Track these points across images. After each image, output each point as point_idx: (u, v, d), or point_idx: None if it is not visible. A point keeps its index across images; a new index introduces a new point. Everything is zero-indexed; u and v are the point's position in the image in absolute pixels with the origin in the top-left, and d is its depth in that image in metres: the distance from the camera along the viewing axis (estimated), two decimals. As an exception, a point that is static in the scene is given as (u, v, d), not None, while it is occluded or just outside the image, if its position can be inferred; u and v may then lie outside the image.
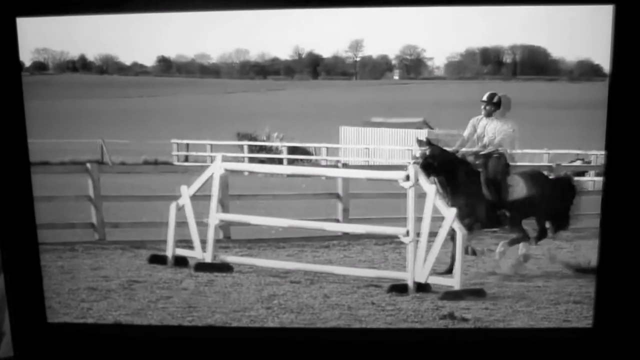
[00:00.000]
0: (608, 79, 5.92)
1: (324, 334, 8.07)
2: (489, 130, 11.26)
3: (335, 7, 6.68)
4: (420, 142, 11.17)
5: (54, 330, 7.02)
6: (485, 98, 11.35)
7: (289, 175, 11.80)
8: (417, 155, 11.04)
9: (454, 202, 10.90)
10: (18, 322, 6.59)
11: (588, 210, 13.10)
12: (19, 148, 6.38)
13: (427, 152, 10.98)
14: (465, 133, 11.44)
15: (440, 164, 11.00)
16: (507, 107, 11.36)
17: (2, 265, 6.50)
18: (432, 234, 9.98)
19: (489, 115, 11.33)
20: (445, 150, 11.26)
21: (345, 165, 14.46)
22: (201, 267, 10.89)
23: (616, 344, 6.45)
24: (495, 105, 11.29)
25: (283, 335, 7.82)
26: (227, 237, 12.79)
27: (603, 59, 5.96)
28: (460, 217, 10.77)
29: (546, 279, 10.53)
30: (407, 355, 6.97)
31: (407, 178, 9.97)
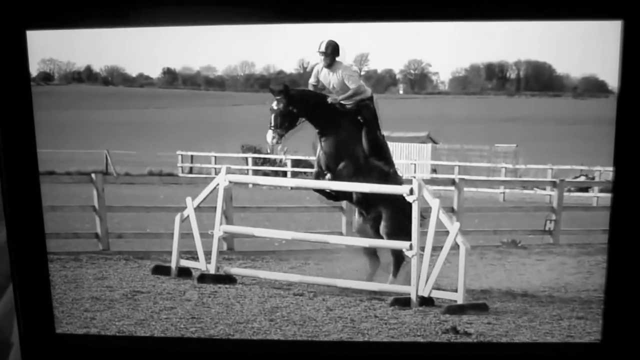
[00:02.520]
0: (617, 94, 5.92)
1: (326, 347, 8.07)
2: (335, 81, 10.71)
3: (335, 22, 6.71)
4: (273, 91, 10.66)
5: (62, 341, 7.04)
6: (323, 49, 10.69)
7: (292, 188, 11.80)
8: (274, 107, 10.60)
9: (328, 151, 10.72)
10: (27, 333, 6.60)
11: (592, 226, 13.17)
12: (28, 158, 6.42)
13: (284, 101, 10.53)
14: (311, 81, 10.89)
15: (303, 108, 10.63)
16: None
17: (11, 276, 6.53)
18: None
19: (329, 65, 10.75)
20: (308, 92, 10.81)
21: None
22: (205, 278, 10.90)
23: (624, 358, 6.43)
24: (335, 54, 10.70)
25: (285, 349, 7.82)
26: (231, 248, 12.82)
27: (608, 75, 5.97)
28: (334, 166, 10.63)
29: (549, 294, 10.53)
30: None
31: (411, 192, 9.96)
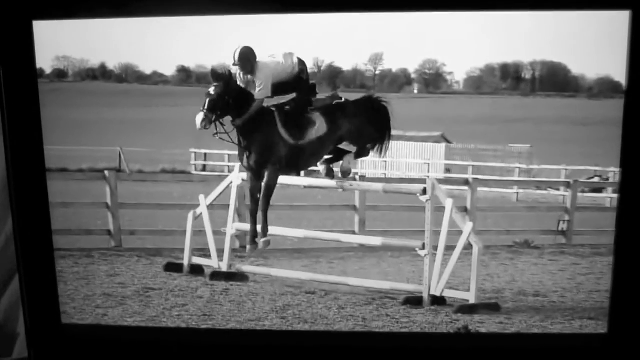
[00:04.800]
0: (625, 85, 5.85)
1: (336, 338, 8.05)
2: (261, 81, 10.11)
3: (347, 11, 6.67)
4: (214, 76, 10.08)
5: (68, 331, 7.04)
6: (236, 59, 10.04)
7: (305, 187, 11.79)
8: (211, 92, 10.01)
9: (252, 149, 10.23)
10: (33, 323, 6.61)
11: (605, 227, 13.11)
12: (35, 153, 6.41)
13: (222, 88, 9.99)
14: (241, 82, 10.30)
15: (236, 102, 10.06)
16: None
17: (17, 267, 6.53)
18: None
19: (251, 72, 10.13)
20: (243, 89, 10.23)
21: (362, 178, 14.45)
22: (217, 275, 10.90)
23: (632, 350, 6.38)
24: (250, 59, 10.07)
25: (297, 339, 7.80)
26: (243, 246, 12.80)
27: (623, 76, 5.87)
28: (261, 163, 10.22)
29: (561, 294, 10.50)
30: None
31: (425, 191, 9.93)
